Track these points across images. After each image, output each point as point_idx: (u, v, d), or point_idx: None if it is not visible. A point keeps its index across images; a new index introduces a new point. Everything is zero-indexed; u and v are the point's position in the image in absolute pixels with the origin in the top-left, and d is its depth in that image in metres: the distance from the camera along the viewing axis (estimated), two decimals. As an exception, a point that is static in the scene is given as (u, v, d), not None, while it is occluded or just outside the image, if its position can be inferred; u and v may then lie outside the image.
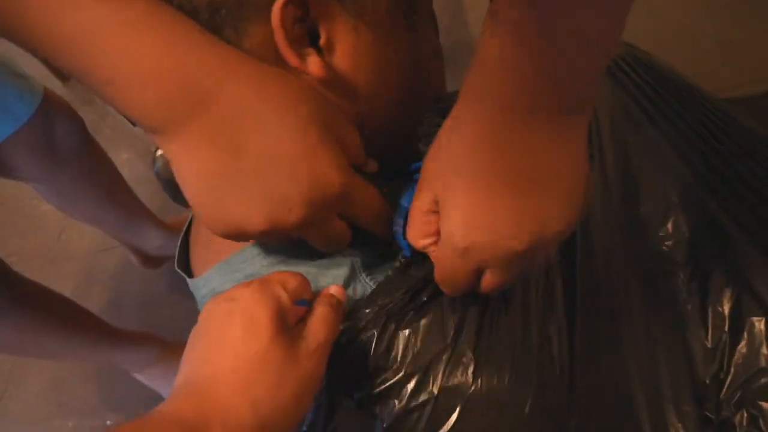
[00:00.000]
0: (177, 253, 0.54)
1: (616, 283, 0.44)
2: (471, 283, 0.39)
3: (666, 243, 0.46)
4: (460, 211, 0.35)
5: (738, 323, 0.44)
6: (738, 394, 0.42)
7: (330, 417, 0.43)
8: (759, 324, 0.43)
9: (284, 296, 0.38)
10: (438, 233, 0.38)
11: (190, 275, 0.53)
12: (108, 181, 1.14)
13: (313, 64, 0.39)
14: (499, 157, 0.33)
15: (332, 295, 0.42)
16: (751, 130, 0.52)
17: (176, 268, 0.53)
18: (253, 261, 0.47)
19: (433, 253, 0.40)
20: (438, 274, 0.40)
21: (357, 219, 0.41)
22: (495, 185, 0.34)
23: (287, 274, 0.41)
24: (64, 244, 1.44)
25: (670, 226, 0.46)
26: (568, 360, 0.41)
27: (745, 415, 0.41)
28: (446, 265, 0.38)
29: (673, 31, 1.28)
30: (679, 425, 0.41)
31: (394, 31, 0.42)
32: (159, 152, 0.49)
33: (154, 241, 1.26)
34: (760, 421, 0.40)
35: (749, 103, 0.98)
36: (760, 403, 0.41)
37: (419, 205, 0.39)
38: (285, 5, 0.36)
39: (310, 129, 0.37)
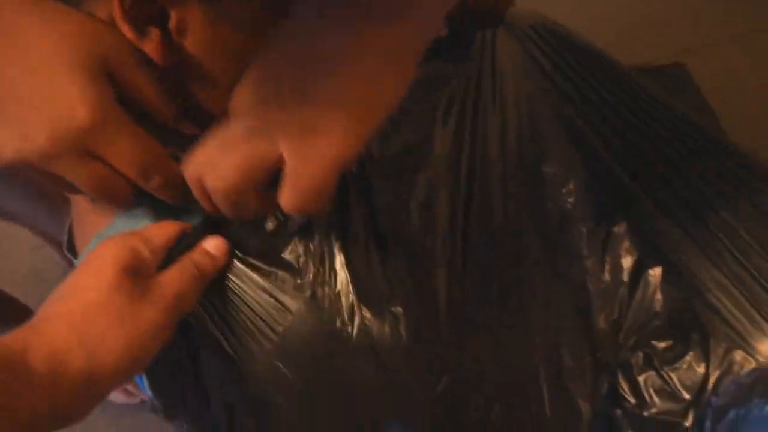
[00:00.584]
0: (67, 235, 0.52)
1: (515, 237, 0.45)
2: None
3: (569, 200, 0.47)
4: None
5: (637, 274, 0.46)
6: (634, 338, 0.44)
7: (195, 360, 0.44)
8: (654, 272, 0.46)
9: (142, 247, 0.39)
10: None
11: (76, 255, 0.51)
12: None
13: (150, 47, 0.38)
14: None
15: (203, 249, 0.42)
16: (663, 101, 0.54)
17: (65, 252, 0.51)
18: (122, 231, 0.45)
19: None
20: None
21: (115, 166, 0.39)
22: None
23: (157, 226, 0.41)
24: (-7, 246, 1.40)
25: (572, 185, 0.47)
26: (461, 315, 0.43)
27: (641, 355, 0.44)
28: None
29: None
30: (576, 372, 0.43)
31: (260, 27, 0.40)
32: None
33: None
34: (654, 359, 0.43)
35: (661, 71, 1.02)
36: (653, 342, 0.44)
37: None
38: None
39: (83, 63, 0.36)
